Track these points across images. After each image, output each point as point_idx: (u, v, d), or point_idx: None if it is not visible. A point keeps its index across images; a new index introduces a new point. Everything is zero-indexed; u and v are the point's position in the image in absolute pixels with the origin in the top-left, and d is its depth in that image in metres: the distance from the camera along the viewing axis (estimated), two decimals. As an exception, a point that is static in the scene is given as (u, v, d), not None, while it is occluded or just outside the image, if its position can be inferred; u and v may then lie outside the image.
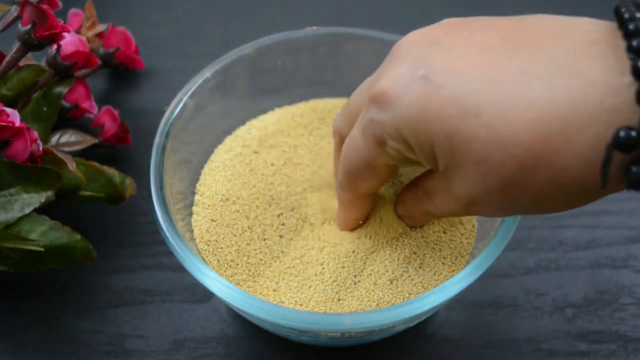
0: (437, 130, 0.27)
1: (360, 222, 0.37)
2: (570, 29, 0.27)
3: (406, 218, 0.37)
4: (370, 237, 0.37)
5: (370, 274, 0.36)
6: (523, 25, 0.28)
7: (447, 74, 0.27)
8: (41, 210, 0.38)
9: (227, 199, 0.39)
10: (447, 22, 0.30)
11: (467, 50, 0.28)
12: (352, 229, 0.37)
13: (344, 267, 0.36)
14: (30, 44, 0.40)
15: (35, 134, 0.38)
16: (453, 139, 0.27)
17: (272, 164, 0.41)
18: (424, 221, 0.37)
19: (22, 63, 0.41)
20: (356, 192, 0.35)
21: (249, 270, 0.37)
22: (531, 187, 0.27)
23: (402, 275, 0.36)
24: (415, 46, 0.29)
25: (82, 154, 0.43)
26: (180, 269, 0.37)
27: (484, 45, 0.28)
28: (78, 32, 0.49)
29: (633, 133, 0.24)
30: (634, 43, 0.25)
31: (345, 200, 0.36)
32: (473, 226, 0.38)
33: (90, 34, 0.49)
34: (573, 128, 0.25)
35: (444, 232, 0.37)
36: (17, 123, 0.37)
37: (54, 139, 0.43)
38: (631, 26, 0.25)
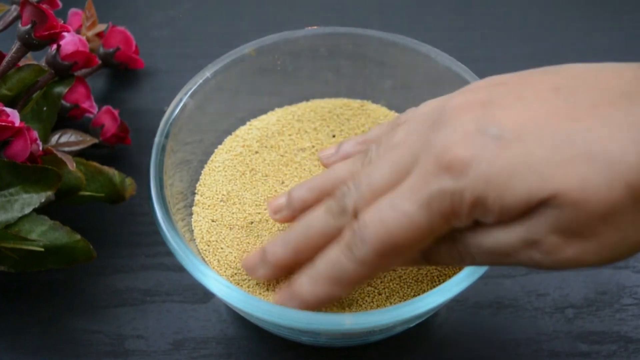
0: (524, 184, 0.26)
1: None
2: (603, 79, 0.27)
3: None
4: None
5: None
6: (564, 74, 0.28)
7: (521, 129, 0.27)
8: (41, 210, 0.38)
9: (228, 199, 0.39)
10: (478, 84, 0.30)
11: (526, 104, 0.27)
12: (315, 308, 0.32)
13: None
14: (30, 44, 0.40)
15: (35, 133, 0.38)
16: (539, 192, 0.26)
17: (273, 164, 0.41)
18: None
19: (22, 63, 0.41)
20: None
21: (249, 271, 0.37)
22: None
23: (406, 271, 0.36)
24: (467, 110, 0.28)
25: (82, 154, 0.43)
26: (180, 269, 0.37)
27: (539, 98, 0.27)
28: (78, 31, 0.49)
29: None
30: None
31: (350, 276, 0.31)
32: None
33: (90, 33, 0.49)
34: None
35: None
36: (17, 123, 0.37)
37: (54, 139, 0.43)
38: None
